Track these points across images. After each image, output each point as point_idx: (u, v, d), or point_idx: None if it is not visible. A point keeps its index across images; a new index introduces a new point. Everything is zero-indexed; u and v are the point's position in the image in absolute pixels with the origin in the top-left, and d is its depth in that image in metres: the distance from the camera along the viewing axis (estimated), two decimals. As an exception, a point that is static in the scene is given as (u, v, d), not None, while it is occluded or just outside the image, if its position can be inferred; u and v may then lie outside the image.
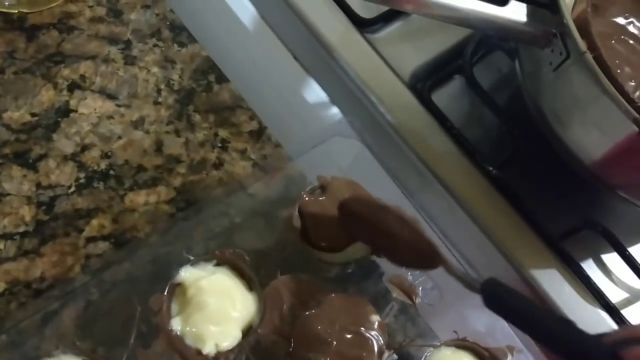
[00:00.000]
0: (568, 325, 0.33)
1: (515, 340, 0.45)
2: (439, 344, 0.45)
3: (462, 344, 0.45)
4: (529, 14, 0.48)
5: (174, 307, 0.43)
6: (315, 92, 0.60)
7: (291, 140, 0.55)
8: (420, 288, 0.46)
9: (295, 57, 0.60)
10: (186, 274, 0.43)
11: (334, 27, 0.59)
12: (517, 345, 0.45)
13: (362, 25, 0.59)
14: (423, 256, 0.42)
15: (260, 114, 0.54)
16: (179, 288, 0.43)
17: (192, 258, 0.44)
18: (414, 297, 0.46)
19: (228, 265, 0.45)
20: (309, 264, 0.46)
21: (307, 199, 0.47)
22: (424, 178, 0.56)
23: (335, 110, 0.59)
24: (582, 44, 0.45)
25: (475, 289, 0.37)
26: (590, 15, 0.47)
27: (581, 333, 0.32)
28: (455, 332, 0.45)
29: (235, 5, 0.62)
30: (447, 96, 0.59)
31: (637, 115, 0.44)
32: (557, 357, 0.32)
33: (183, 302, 0.43)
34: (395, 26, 0.60)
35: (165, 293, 0.42)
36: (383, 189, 0.50)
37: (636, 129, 0.44)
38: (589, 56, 0.44)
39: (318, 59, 0.59)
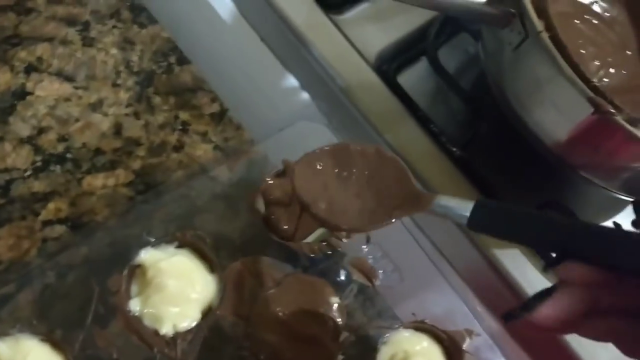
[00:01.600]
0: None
1: (474, 323, 0.46)
2: (397, 326, 0.45)
3: (420, 327, 0.45)
4: (488, -6, 0.48)
5: (133, 289, 0.43)
6: (282, 75, 0.60)
7: (257, 124, 0.55)
8: (381, 271, 0.47)
9: (261, 39, 0.60)
10: (146, 255, 0.43)
11: (299, 8, 0.58)
12: (476, 329, 0.45)
13: (328, 6, 0.59)
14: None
15: (225, 97, 0.53)
16: (138, 270, 0.43)
17: (152, 240, 0.44)
18: (374, 280, 0.46)
19: (189, 247, 0.45)
20: (270, 247, 0.46)
21: (270, 182, 0.47)
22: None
23: (303, 94, 0.59)
24: (538, 24, 0.45)
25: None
26: (549, -5, 0.47)
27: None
28: (413, 314, 0.45)
29: (201, -15, 0.61)
30: (412, 78, 0.59)
31: (591, 95, 0.44)
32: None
33: (142, 283, 0.43)
34: (361, 8, 0.60)
35: (125, 274, 0.42)
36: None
37: (592, 108, 0.44)
38: (545, 35, 0.45)
39: (284, 40, 0.59)
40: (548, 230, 0.31)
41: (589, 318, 0.28)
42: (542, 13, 0.46)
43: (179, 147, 0.50)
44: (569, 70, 0.44)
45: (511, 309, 0.30)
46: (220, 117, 0.52)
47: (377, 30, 0.60)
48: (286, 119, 0.52)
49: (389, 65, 0.58)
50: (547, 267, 0.31)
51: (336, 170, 0.39)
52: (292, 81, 0.59)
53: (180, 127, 0.50)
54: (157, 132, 0.50)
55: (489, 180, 0.55)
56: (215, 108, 0.52)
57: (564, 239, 0.30)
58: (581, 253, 0.29)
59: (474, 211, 0.32)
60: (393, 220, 0.37)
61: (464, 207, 0.33)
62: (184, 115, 0.51)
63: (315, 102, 0.56)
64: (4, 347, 0.38)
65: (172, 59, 0.53)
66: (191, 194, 0.47)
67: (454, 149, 0.55)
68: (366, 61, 0.58)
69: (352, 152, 0.39)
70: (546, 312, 0.28)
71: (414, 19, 0.60)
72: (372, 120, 0.56)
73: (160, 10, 0.55)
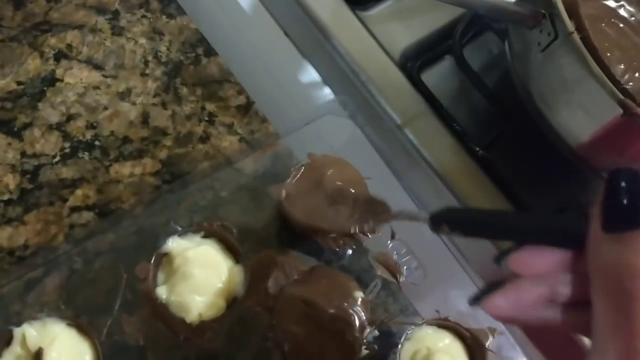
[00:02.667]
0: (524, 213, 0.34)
1: (498, 322, 0.46)
2: (420, 322, 0.45)
3: (443, 324, 0.45)
4: (518, -6, 0.48)
5: (160, 276, 0.43)
6: (307, 71, 0.60)
7: (282, 118, 0.55)
8: (405, 267, 0.47)
9: (286, 34, 0.60)
10: (173, 244, 0.43)
11: (326, 4, 0.58)
12: (499, 327, 0.45)
13: (354, 2, 0.59)
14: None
15: (250, 90, 0.54)
16: (165, 258, 0.43)
17: (179, 229, 0.44)
18: (398, 276, 0.46)
19: (215, 237, 0.45)
20: (294, 240, 0.46)
21: (293, 180, 0.47)
22: (411, 158, 0.56)
23: (327, 90, 0.59)
24: (569, 25, 0.45)
25: (424, 218, 0.36)
26: (580, -4, 0.47)
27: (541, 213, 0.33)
28: (437, 311, 0.45)
29: (226, -22, 0.61)
30: (436, 76, 0.59)
31: (622, 97, 0.44)
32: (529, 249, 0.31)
33: (169, 271, 0.43)
34: (387, 4, 0.60)
35: (152, 262, 0.42)
36: (373, 169, 0.50)
37: (621, 110, 0.44)
38: (576, 37, 0.44)
39: (310, 36, 0.59)
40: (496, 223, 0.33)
41: (539, 308, 0.29)
42: (572, 14, 0.46)
43: (205, 138, 0.50)
44: (599, 72, 0.44)
45: (473, 295, 0.31)
46: (246, 109, 0.52)
47: (403, 27, 0.60)
48: (309, 113, 0.52)
49: (413, 63, 0.58)
50: (496, 260, 0.32)
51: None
52: (315, 76, 0.59)
53: (207, 119, 0.51)
54: (184, 122, 0.50)
55: (511, 180, 0.55)
56: (241, 100, 0.52)
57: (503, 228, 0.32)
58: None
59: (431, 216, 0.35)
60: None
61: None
62: (210, 107, 0.51)
63: (339, 97, 0.56)
64: (31, 331, 0.39)
65: (200, 51, 0.53)
66: (216, 185, 0.47)
67: (477, 148, 0.55)
68: (391, 58, 0.58)
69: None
70: (497, 301, 0.29)
71: (440, 17, 0.60)
72: (395, 117, 0.56)
73: (187, 2, 0.55)
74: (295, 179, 0.48)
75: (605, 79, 0.44)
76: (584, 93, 0.47)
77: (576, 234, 0.27)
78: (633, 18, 0.56)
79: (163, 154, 0.48)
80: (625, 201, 0.25)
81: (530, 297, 0.28)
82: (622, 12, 0.55)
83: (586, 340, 0.48)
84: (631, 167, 0.26)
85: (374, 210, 0.45)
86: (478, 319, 0.45)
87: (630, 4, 0.56)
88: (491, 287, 0.29)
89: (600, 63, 0.45)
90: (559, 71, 0.48)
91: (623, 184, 0.25)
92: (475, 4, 0.49)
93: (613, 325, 0.25)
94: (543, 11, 0.47)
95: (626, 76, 0.51)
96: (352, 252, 0.46)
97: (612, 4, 0.55)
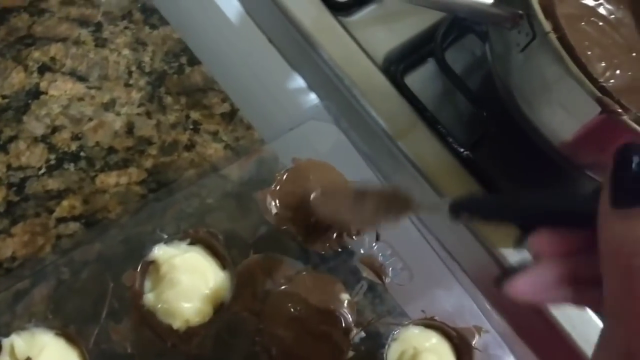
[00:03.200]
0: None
1: (483, 320, 0.46)
2: (407, 322, 0.45)
3: (430, 323, 0.46)
4: (496, -5, 0.49)
5: (147, 284, 0.43)
6: (291, 76, 0.60)
7: (267, 125, 0.56)
8: (391, 268, 0.47)
9: (270, 41, 0.61)
10: (160, 251, 0.44)
11: (308, 11, 0.59)
12: (485, 326, 0.46)
13: (337, 8, 0.59)
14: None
15: (234, 97, 0.54)
16: (152, 265, 0.44)
17: (165, 236, 0.44)
18: (384, 277, 0.47)
19: (201, 244, 0.45)
20: (281, 244, 0.47)
21: (278, 186, 0.48)
22: (397, 161, 0.57)
23: (312, 95, 0.59)
24: (546, 25, 0.46)
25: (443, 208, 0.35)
26: (556, -4, 0.48)
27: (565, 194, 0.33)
28: (423, 311, 0.46)
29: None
30: (420, 79, 0.59)
31: (599, 95, 0.44)
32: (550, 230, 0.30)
33: (156, 279, 0.43)
34: (368, 9, 0.61)
35: (139, 270, 0.43)
36: (358, 173, 0.50)
37: (599, 108, 0.45)
38: (553, 36, 0.45)
39: (293, 42, 0.59)
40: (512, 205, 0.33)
41: (560, 288, 0.29)
42: (549, 14, 0.47)
43: (190, 146, 0.50)
44: (577, 71, 0.44)
45: (496, 278, 0.31)
46: (230, 116, 0.52)
47: (385, 32, 0.60)
48: (294, 119, 0.53)
49: (396, 67, 0.59)
50: (496, 282, 0.32)
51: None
52: (300, 82, 0.59)
53: (192, 127, 0.51)
54: (169, 131, 0.50)
55: (496, 181, 0.55)
56: (225, 108, 0.53)
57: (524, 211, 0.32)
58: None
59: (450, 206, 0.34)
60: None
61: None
62: (195, 115, 0.51)
63: (323, 102, 0.57)
64: (20, 341, 0.39)
65: (183, 60, 0.53)
66: (202, 192, 0.47)
67: (462, 150, 0.56)
68: (374, 62, 0.59)
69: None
70: (518, 283, 0.29)
71: (421, 21, 0.61)
72: (380, 121, 0.57)
73: (170, 12, 0.56)
74: (283, 182, 0.48)
75: (583, 77, 0.45)
76: (564, 92, 0.47)
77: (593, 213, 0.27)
78: (612, 16, 0.56)
79: (149, 163, 0.49)
80: (633, 176, 0.25)
81: (551, 278, 0.28)
82: (601, 10, 0.56)
83: (583, 344, 0.49)
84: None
85: (399, 204, 0.43)
86: (464, 318, 0.45)
87: (608, 2, 0.56)
88: (511, 270, 0.30)
89: (577, 62, 0.46)
90: (539, 71, 0.49)
91: (631, 159, 0.25)
92: (454, 7, 0.50)
93: (621, 304, 0.25)
94: (520, 12, 0.48)
95: (607, 74, 0.52)
96: (338, 255, 0.47)
97: (591, 3, 0.56)
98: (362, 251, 0.47)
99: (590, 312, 0.52)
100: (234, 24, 0.61)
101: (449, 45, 0.61)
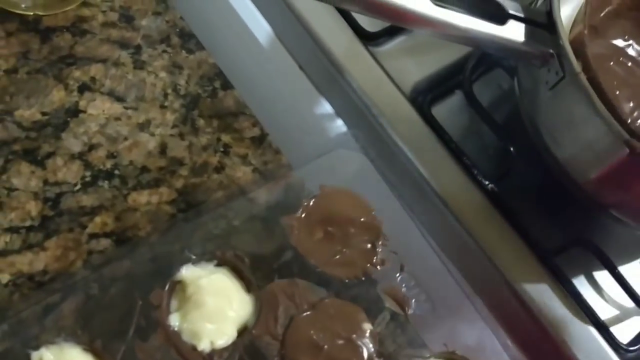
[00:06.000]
0: None
1: (505, 357, 0.46)
2: (428, 355, 0.45)
3: (450, 357, 0.45)
4: (527, 34, 0.49)
5: (173, 304, 0.44)
6: (320, 104, 0.61)
7: (295, 150, 0.57)
8: (413, 300, 0.47)
9: (301, 68, 0.62)
10: (187, 272, 0.44)
11: (339, 40, 0.60)
12: (506, 363, 0.46)
13: (367, 38, 0.61)
14: None
15: (264, 122, 0.55)
16: (179, 285, 0.44)
17: (193, 257, 0.45)
18: (406, 308, 0.47)
19: (228, 266, 0.46)
20: (304, 270, 0.47)
21: (305, 212, 0.49)
22: (422, 191, 0.57)
23: (339, 123, 0.60)
24: (577, 65, 0.46)
25: None
26: (587, 37, 0.48)
27: None
28: (445, 344, 0.46)
29: (244, 14, 0.63)
30: (447, 110, 0.60)
31: (628, 137, 0.45)
32: None
33: (182, 299, 0.44)
34: (398, 40, 0.62)
35: (166, 289, 0.44)
36: (384, 203, 0.51)
37: (627, 150, 0.45)
38: (583, 77, 0.46)
39: (323, 70, 0.61)
40: None
41: None
42: (580, 54, 0.47)
43: (220, 169, 0.51)
44: (606, 112, 0.45)
45: None
46: (260, 141, 0.53)
47: (414, 63, 0.61)
48: (321, 145, 0.53)
49: (424, 97, 0.60)
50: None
51: None
52: (328, 109, 0.60)
53: (222, 150, 0.52)
54: (200, 153, 0.51)
55: (520, 215, 0.56)
56: (255, 132, 0.54)
57: None
58: None
59: None
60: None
61: None
62: (225, 138, 0.53)
63: (351, 130, 0.58)
64: (49, 355, 0.40)
65: (217, 84, 0.55)
66: (230, 214, 0.48)
67: (486, 182, 0.56)
68: (402, 92, 0.59)
69: None
70: None
71: (450, 53, 0.62)
72: (406, 150, 0.57)
73: (205, 37, 0.58)
74: (309, 209, 0.49)
75: (612, 119, 0.45)
76: (591, 132, 0.48)
77: None
78: (641, 57, 0.57)
79: (179, 183, 0.50)
80: None
81: None
82: (630, 51, 0.57)
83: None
84: None
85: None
86: (485, 354, 0.45)
87: (638, 43, 0.57)
88: None
89: (607, 103, 0.46)
90: (567, 109, 0.49)
91: None
92: (484, 44, 0.51)
93: None
94: (551, 51, 0.49)
95: (635, 113, 0.52)
96: (361, 284, 0.47)
97: (621, 44, 0.56)
98: (385, 281, 0.48)
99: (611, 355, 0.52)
100: (267, 50, 0.62)
101: (477, 78, 0.61)
